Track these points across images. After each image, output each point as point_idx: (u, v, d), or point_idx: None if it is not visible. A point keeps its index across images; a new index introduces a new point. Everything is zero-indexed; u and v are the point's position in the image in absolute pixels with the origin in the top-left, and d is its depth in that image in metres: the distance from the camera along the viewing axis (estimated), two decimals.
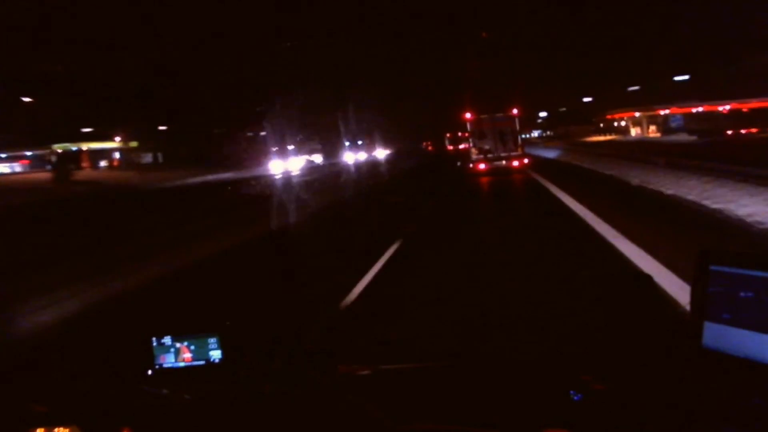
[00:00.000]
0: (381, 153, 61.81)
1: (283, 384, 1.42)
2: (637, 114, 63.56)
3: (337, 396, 1.32)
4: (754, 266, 1.06)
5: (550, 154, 34.64)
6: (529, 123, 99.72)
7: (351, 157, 54.80)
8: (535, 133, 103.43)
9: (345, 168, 38.69)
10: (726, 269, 1.10)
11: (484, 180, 19.27)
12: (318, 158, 54.74)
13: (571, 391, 1.17)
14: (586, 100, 74.86)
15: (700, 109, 56.01)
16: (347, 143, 59.39)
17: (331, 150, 59.78)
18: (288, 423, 1.22)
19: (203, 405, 1.36)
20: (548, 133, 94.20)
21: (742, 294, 1.07)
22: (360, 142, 65.68)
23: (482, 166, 20.59)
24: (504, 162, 20.54)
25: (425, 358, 1.64)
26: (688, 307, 1.19)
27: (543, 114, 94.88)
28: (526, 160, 20.84)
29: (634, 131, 64.59)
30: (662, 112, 58.76)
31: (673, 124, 54.69)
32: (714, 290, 1.11)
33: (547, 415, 1.10)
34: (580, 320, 4.04)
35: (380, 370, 1.45)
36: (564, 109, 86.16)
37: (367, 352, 2.52)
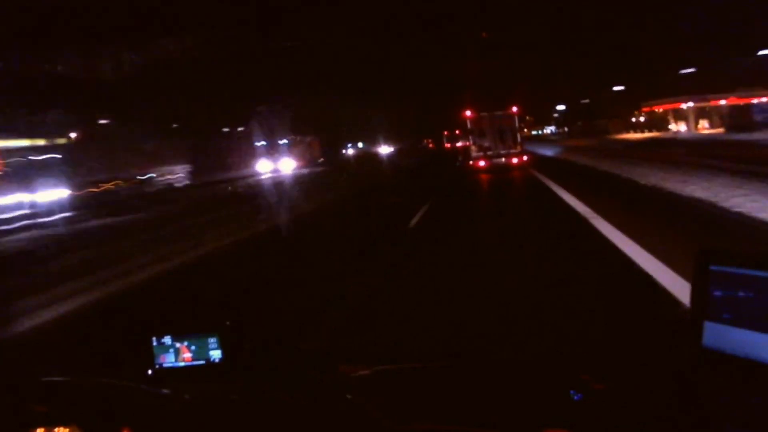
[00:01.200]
0: (384, 150, 60.46)
1: (282, 384, 1.42)
2: (686, 105, 47.55)
3: (336, 396, 1.32)
4: (755, 266, 1.06)
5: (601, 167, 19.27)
6: (542, 118, 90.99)
7: (267, 166, 36.99)
8: (548, 130, 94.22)
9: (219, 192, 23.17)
10: (726, 269, 1.10)
11: (485, 180, 19.25)
12: (178, 174, 33.43)
13: (571, 391, 1.17)
14: (617, 89, 59.18)
15: (764, 99, 41.56)
16: (263, 144, 39.47)
17: (212, 160, 36.49)
18: (288, 423, 1.22)
19: (203, 405, 1.36)
20: (565, 129, 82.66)
21: (742, 294, 1.07)
22: (286, 142, 43.24)
23: (482, 163, 20.87)
24: (504, 159, 20.80)
25: (425, 358, 1.64)
26: (688, 307, 1.18)
27: (561, 107, 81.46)
28: (525, 158, 21.06)
29: (676, 127, 50.56)
30: (721, 102, 44.71)
31: (759, 117, 39.22)
32: (714, 290, 1.11)
33: (547, 415, 1.10)
34: (580, 320, 4.04)
35: (380, 370, 1.45)
36: (587, 100, 71.88)
37: (367, 352, 2.52)
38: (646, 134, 51.14)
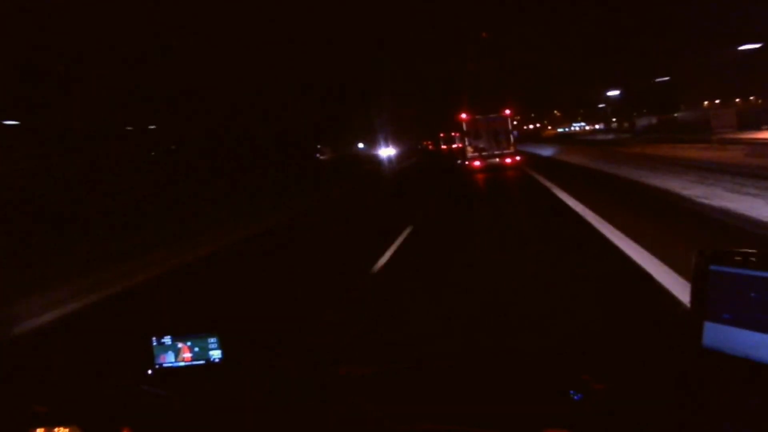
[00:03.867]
0: (387, 152, 58.20)
1: (283, 384, 1.42)
2: None
3: (337, 396, 1.32)
4: (754, 266, 1.06)
5: None
6: (577, 112, 74.16)
7: None
8: (575, 126, 75.25)
9: None
10: (726, 269, 1.10)
11: (482, 180, 19.35)
12: None
13: (571, 391, 1.17)
14: (745, 47, 31.61)
15: None
16: None
17: None
18: (288, 423, 1.22)
19: (203, 405, 1.36)
20: (613, 124, 57.28)
21: (742, 294, 1.07)
22: None
23: (477, 163, 21.95)
24: (498, 159, 21.84)
25: (425, 359, 1.64)
26: (688, 307, 1.18)
27: (613, 93, 54.29)
28: (518, 158, 22.02)
29: None
30: None
31: None
32: (714, 290, 1.11)
33: (547, 415, 1.10)
34: (580, 320, 4.04)
35: (380, 370, 1.45)
36: (667, 78, 43.01)
37: (367, 353, 2.52)
38: None
